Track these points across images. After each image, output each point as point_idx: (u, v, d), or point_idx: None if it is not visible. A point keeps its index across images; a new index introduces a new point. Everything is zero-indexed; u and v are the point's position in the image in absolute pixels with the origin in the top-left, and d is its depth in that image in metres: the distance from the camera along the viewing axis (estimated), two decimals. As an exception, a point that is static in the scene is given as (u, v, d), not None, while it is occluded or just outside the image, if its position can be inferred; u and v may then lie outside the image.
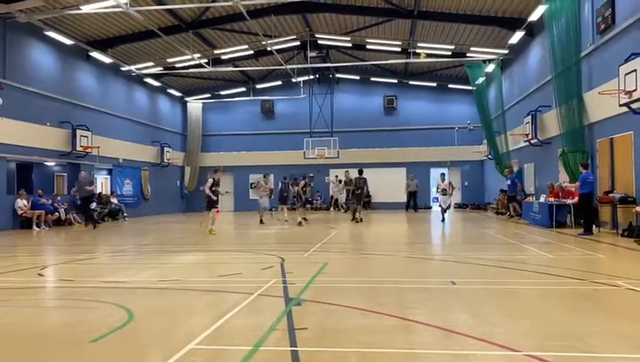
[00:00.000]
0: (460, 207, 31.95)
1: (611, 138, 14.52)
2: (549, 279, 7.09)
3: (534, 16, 18.28)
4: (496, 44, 23.83)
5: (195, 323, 4.96)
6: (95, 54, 23.09)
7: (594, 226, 13.88)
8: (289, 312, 5.20)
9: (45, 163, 21.88)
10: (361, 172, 19.79)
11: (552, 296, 6.12)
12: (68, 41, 21.16)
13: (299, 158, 32.02)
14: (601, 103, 14.57)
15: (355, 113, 33.28)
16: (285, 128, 33.59)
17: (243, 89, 33.50)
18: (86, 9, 17.98)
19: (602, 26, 14.84)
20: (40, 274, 8.32)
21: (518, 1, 19.56)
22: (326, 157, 31.25)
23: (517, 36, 20.45)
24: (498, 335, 4.32)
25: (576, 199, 14.98)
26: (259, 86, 33.44)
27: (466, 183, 32.72)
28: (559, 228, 15.44)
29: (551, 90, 17.70)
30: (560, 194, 16.51)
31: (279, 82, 33.14)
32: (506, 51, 23.51)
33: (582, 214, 14.34)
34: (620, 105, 13.13)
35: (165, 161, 30.72)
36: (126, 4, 16.05)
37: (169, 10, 20.73)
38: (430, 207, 31.86)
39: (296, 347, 4.06)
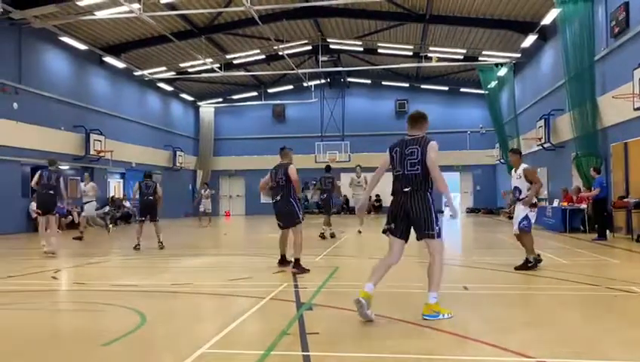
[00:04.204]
0: (472, 211, 31.75)
1: (625, 142, 14.36)
2: (563, 284, 7.01)
3: (547, 20, 18.15)
4: (509, 47, 23.70)
5: (207, 327, 4.97)
6: (108, 59, 23.32)
7: (608, 231, 13.73)
8: (300, 317, 5.19)
9: (59, 167, 22.07)
10: (328, 168, 15.54)
11: (566, 302, 6.05)
12: (82, 46, 21.41)
13: (310, 162, 32.05)
14: (615, 107, 14.43)
15: (367, 117, 33.26)
16: (296, 132, 33.62)
17: (255, 93, 33.63)
18: (100, 14, 18.19)
19: (616, 30, 14.72)
20: (54, 277, 8.38)
21: (531, 5, 19.44)
22: (337, 161, 31.24)
23: (529, 40, 20.32)
24: (511, 341, 4.27)
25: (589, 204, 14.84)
26: (270, 90, 33.54)
27: (478, 187, 32.53)
28: (573, 233, 15.28)
29: (564, 94, 17.57)
30: (574, 198, 16.34)
31: (291, 86, 33.22)
32: (518, 55, 23.38)
33: (596, 219, 14.20)
34: (635, 110, 13.01)
35: (178, 165, 30.90)
36: (139, 9, 16.21)
37: (182, 16, 20.87)
38: (442, 212, 31.67)
39: (308, 352, 4.05)
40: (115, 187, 26.20)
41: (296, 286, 6.96)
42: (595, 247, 11.74)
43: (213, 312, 5.93)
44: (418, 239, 5.25)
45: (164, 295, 6.73)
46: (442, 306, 5.03)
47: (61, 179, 11.65)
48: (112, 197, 24.30)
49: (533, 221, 8.33)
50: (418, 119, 5.40)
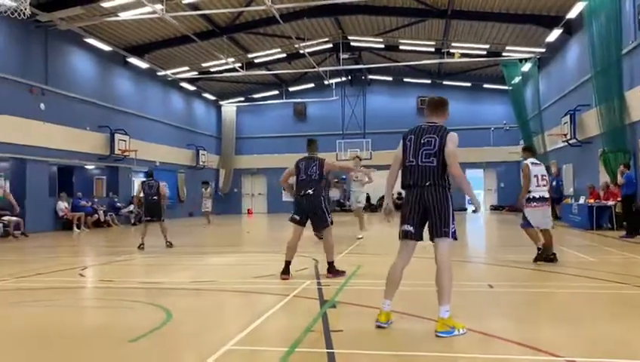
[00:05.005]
0: (496, 208, 31.37)
1: (655, 137, 14.05)
2: (590, 283, 6.88)
3: (572, 14, 17.83)
4: (533, 42, 23.33)
5: (232, 324, 5.01)
6: (132, 60, 23.66)
7: (637, 229, 13.42)
8: (324, 314, 5.18)
9: (85, 166, 22.49)
10: None
11: (594, 300, 5.94)
12: (106, 47, 21.75)
13: (332, 160, 32.03)
14: (644, 102, 14.12)
15: (388, 114, 33.02)
16: (318, 130, 33.44)
17: (276, 92, 33.75)
18: (123, 16, 18.45)
19: (645, 22, 14.39)
20: (81, 275, 8.54)
21: (556, -1, 19.10)
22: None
23: (554, 34, 19.98)
24: (538, 339, 4.21)
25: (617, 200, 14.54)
26: (291, 89, 33.62)
27: (502, 185, 32.14)
28: (600, 230, 14.98)
29: (590, 89, 17.23)
30: (602, 195, 16.02)
31: (312, 85, 33.23)
32: (543, 50, 23.00)
33: (624, 216, 13.90)
34: (665, 104, 12.69)
35: (200, 163, 31.20)
36: (162, 10, 16.38)
37: (204, 16, 21.04)
38: (465, 209, 31.36)
39: (332, 349, 4.04)
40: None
41: (319, 283, 6.96)
42: (624, 245, 11.49)
43: (237, 309, 5.97)
44: (433, 239, 4.62)
45: (189, 292, 6.80)
46: (456, 320, 4.45)
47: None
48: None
49: (531, 219, 8.76)
50: (439, 105, 4.78)
